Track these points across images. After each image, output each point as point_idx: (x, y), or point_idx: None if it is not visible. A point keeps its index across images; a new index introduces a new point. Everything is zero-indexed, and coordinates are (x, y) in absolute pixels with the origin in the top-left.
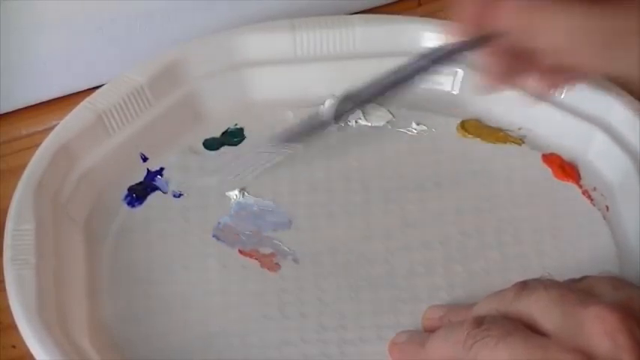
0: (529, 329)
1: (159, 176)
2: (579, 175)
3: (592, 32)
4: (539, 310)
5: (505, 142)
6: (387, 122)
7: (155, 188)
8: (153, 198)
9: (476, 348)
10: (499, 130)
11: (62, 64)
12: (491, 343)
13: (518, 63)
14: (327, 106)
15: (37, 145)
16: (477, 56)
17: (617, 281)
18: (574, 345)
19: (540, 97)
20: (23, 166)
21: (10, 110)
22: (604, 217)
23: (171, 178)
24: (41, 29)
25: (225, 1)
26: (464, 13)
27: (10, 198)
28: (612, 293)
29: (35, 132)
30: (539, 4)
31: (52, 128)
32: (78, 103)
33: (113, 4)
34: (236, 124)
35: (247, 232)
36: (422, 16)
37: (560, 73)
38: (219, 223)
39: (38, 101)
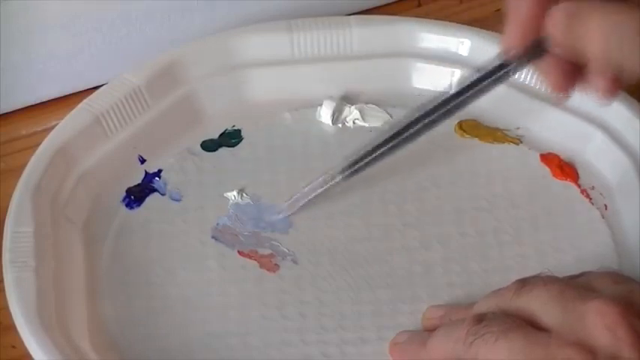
0: (530, 325)
1: (157, 178)
2: (577, 175)
3: (628, 38)
4: (540, 305)
5: (503, 142)
6: (385, 123)
7: (153, 190)
8: (151, 199)
9: (476, 344)
10: (497, 130)
11: (62, 64)
12: (491, 339)
13: (575, 70)
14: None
15: (37, 145)
16: (533, 67)
17: (617, 276)
18: (575, 339)
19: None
20: (23, 166)
21: (10, 110)
22: (603, 216)
23: (170, 180)
24: (41, 29)
25: (224, 2)
26: (515, 23)
27: (10, 198)
28: (612, 288)
29: (35, 132)
30: (586, 7)
31: (51, 128)
32: (78, 103)
33: (113, 4)
34: (234, 126)
35: (246, 233)
36: (422, 16)
37: (616, 78)
38: (217, 224)
39: (38, 101)
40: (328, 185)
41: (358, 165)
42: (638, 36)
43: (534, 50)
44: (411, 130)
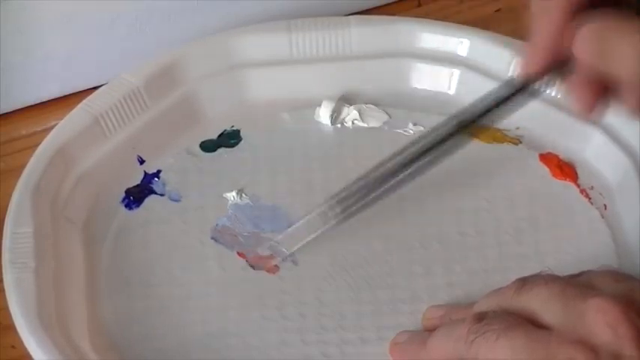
0: (531, 324)
1: (156, 179)
2: (577, 175)
3: None
4: (540, 304)
5: (502, 142)
6: (384, 123)
7: (152, 191)
8: (150, 200)
9: (477, 343)
10: (496, 129)
11: (62, 64)
12: (492, 338)
13: (604, 88)
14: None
15: (37, 145)
16: (555, 86)
17: (617, 274)
18: (576, 337)
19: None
20: (23, 166)
21: (10, 110)
22: (602, 216)
23: (169, 180)
24: (41, 29)
25: (224, 2)
26: (537, 44)
27: (9, 198)
28: (613, 286)
29: (35, 132)
30: (614, 26)
31: (51, 128)
32: (77, 103)
33: (113, 4)
34: (233, 126)
35: (245, 234)
36: (422, 16)
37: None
38: (217, 224)
39: (38, 101)
40: (325, 228)
41: (357, 206)
42: None
43: (558, 72)
44: (419, 163)
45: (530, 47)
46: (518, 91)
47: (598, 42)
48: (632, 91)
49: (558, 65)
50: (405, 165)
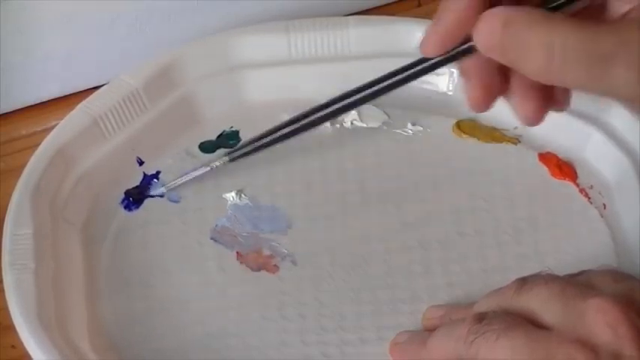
0: (531, 324)
1: (155, 180)
2: (576, 174)
3: (573, 53)
4: (540, 304)
5: (501, 142)
6: (383, 123)
7: (152, 192)
8: (150, 201)
9: (477, 343)
10: (495, 129)
11: (62, 64)
12: (492, 338)
13: (499, 84)
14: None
15: (37, 145)
16: (457, 73)
17: (617, 274)
18: (576, 337)
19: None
20: (23, 166)
21: (10, 110)
22: (601, 215)
23: (168, 181)
24: (41, 29)
25: (224, 2)
26: (437, 26)
27: (9, 198)
28: (612, 285)
29: (35, 132)
30: (527, 16)
31: (51, 128)
32: (77, 103)
33: (113, 4)
34: (231, 127)
35: (245, 234)
36: (422, 16)
37: (544, 94)
38: (216, 225)
39: (38, 101)
40: (215, 165)
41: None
42: (583, 53)
43: (456, 56)
44: (310, 119)
45: (430, 30)
46: (411, 67)
47: (507, 32)
48: (524, 96)
49: (459, 52)
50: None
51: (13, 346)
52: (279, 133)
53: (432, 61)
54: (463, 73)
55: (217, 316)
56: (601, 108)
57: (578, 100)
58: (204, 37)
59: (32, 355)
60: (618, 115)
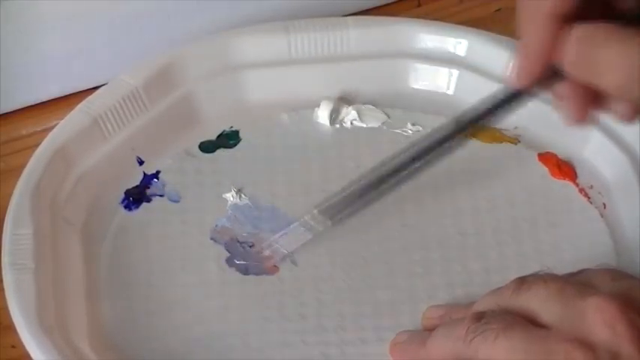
0: (529, 323)
1: (155, 179)
2: (576, 174)
3: None
4: (539, 303)
5: (501, 142)
6: (383, 123)
7: (152, 192)
8: (150, 201)
9: (476, 342)
10: (495, 129)
11: (62, 64)
12: (491, 337)
13: (594, 96)
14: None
15: (37, 146)
16: (546, 94)
17: (616, 272)
18: (575, 336)
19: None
20: (23, 166)
21: (10, 110)
22: (601, 215)
23: (168, 181)
24: (41, 29)
25: (223, 3)
26: (525, 54)
27: (9, 198)
28: (611, 284)
29: (35, 132)
30: (603, 34)
31: (51, 128)
32: (77, 103)
33: (113, 4)
34: (231, 127)
35: (245, 234)
36: (421, 16)
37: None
38: (216, 225)
39: (38, 101)
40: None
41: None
42: None
43: (548, 80)
44: (410, 168)
45: (520, 57)
46: (514, 96)
47: (585, 50)
48: (620, 103)
49: (551, 74)
50: (399, 169)
51: (13, 346)
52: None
53: (523, 92)
54: (556, 95)
55: (217, 316)
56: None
57: None
58: (204, 37)
59: (32, 355)
60: None
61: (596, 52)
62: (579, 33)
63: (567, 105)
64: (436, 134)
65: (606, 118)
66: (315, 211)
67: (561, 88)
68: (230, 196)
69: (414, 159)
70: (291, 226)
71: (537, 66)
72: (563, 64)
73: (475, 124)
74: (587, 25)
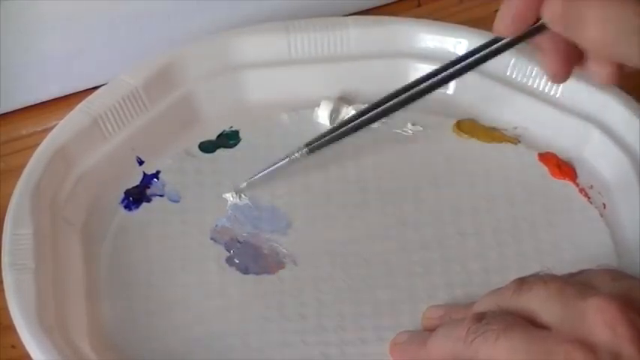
0: (530, 323)
1: (155, 179)
2: (576, 174)
3: (628, 27)
4: (539, 303)
5: (501, 142)
6: (383, 123)
7: (152, 192)
8: (150, 201)
9: (477, 343)
10: (494, 129)
11: (62, 65)
12: (491, 338)
13: (574, 54)
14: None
15: (37, 146)
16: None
17: (616, 273)
18: (575, 337)
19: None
20: (23, 166)
21: (10, 110)
22: (601, 215)
23: (168, 181)
24: (41, 29)
25: (223, 3)
26: (508, 7)
27: (9, 198)
28: (611, 285)
29: (35, 132)
30: None
31: (51, 128)
32: (77, 103)
33: (113, 4)
34: (231, 127)
35: (245, 234)
36: (421, 16)
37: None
38: (216, 225)
39: (38, 101)
40: (290, 159)
41: (324, 139)
42: (636, 28)
43: (530, 34)
44: (388, 105)
45: (503, 10)
46: (499, 45)
47: (567, 5)
48: (600, 59)
49: (535, 26)
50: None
51: (13, 346)
52: (352, 124)
53: (506, 41)
54: (539, 48)
55: (217, 316)
56: (601, 107)
57: (578, 99)
58: (204, 37)
59: (32, 355)
60: (619, 115)
61: (578, 8)
62: None
63: (548, 59)
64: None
65: (607, 118)
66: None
67: (544, 41)
68: (230, 197)
69: (399, 93)
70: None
71: (521, 18)
72: (546, 18)
73: (462, 71)
74: None
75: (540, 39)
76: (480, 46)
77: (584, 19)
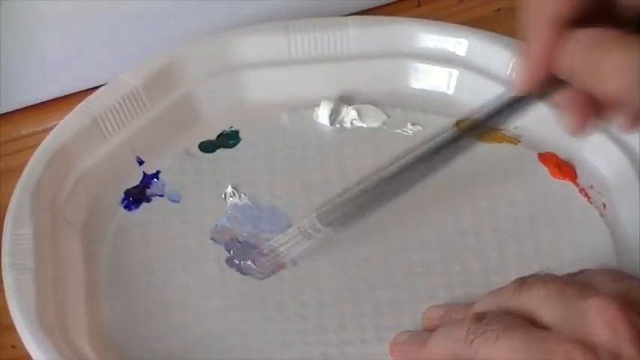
0: (530, 324)
1: (155, 179)
2: (576, 174)
3: None
4: (539, 304)
5: (501, 142)
6: (383, 123)
7: (152, 192)
8: (149, 201)
9: (477, 343)
10: (494, 129)
11: (62, 64)
12: (491, 338)
13: (594, 105)
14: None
15: (37, 146)
16: (548, 103)
17: (616, 273)
18: (575, 337)
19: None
20: (23, 166)
21: (10, 110)
22: (601, 215)
23: (168, 181)
24: (41, 29)
25: (223, 3)
26: (529, 57)
27: (9, 198)
28: (611, 285)
29: (35, 132)
30: (608, 39)
31: (51, 128)
32: (77, 103)
33: (113, 4)
34: (231, 127)
35: (245, 234)
36: (421, 16)
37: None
38: (216, 225)
39: (38, 101)
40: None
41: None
42: None
43: (549, 87)
44: (414, 173)
45: (522, 61)
46: (515, 102)
47: (587, 54)
48: (620, 111)
49: (552, 81)
50: (398, 176)
51: (13, 346)
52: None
53: (527, 98)
54: (555, 107)
55: (217, 316)
56: None
57: None
58: (204, 37)
59: (32, 355)
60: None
61: (598, 57)
62: (582, 37)
63: (568, 113)
64: (437, 139)
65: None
66: (314, 216)
67: (562, 96)
68: (230, 197)
69: (415, 164)
70: (290, 230)
71: (539, 71)
72: (564, 69)
73: (475, 129)
74: (589, 29)
75: (558, 95)
76: (500, 106)
77: (605, 69)
